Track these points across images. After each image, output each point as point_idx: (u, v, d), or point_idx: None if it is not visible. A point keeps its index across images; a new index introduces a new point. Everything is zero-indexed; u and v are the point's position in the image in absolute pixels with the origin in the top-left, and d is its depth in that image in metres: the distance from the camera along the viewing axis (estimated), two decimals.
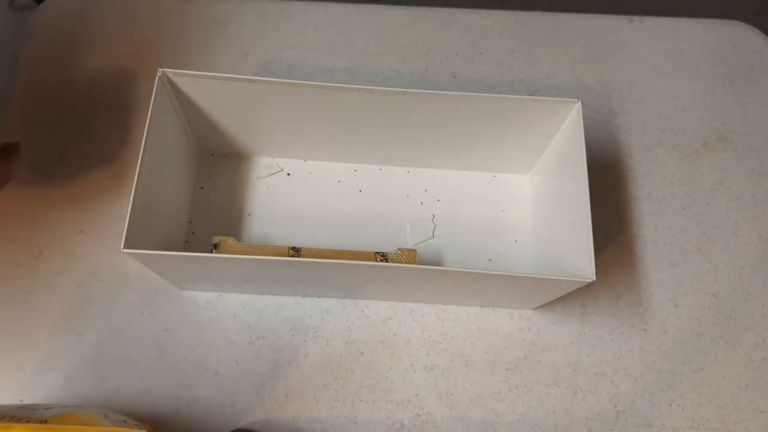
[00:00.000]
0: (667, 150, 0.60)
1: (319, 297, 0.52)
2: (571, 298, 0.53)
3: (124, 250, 0.40)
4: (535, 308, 0.53)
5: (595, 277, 0.42)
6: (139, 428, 0.40)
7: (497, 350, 0.52)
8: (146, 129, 0.43)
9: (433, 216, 0.55)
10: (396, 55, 0.62)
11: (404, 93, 0.47)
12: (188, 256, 0.41)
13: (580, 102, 0.47)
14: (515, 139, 0.52)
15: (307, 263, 0.42)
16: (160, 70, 0.45)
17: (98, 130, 0.57)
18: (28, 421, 0.37)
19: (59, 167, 0.55)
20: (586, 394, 0.51)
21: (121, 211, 0.54)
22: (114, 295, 0.52)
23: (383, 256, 0.50)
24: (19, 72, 0.59)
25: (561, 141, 0.50)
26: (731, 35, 0.65)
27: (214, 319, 0.51)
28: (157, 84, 0.45)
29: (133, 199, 0.41)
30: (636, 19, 0.65)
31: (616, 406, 0.50)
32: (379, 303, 0.52)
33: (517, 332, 0.52)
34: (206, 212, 0.54)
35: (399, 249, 0.50)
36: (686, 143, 0.60)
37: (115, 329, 0.51)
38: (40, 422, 0.37)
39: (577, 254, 0.45)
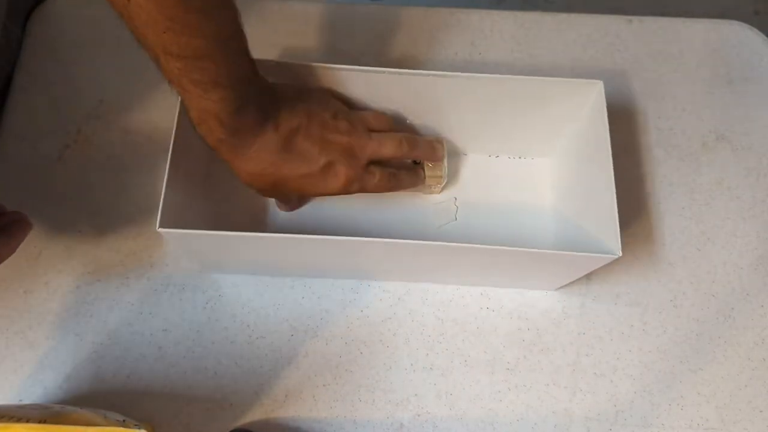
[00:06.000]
0: (667, 150, 0.60)
1: (334, 278, 0.53)
2: (571, 298, 0.53)
3: (159, 229, 0.42)
4: (558, 288, 0.54)
5: (621, 253, 0.43)
6: (139, 428, 0.40)
7: (497, 350, 0.52)
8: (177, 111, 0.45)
9: (455, 198, 0.56)
10: (396, 55, 0.62)
11: (428, 75, 0.48)
12: (224, 235, 0.43)
13: (602, 83, 0.48)
14: (536, 121, 0.53)
15: (345, 241, 0.44)
16: None
17: (98, 130, 0.57)
18: (27, 421, 0.37)
19: (58, 168, 0.55)
20: (586, 394, 0.51)
21: (121, 211, 0.54)
22: (113, 295, 0.52)
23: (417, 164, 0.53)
24: (19, 71, 0.59)
25: (583, 123, 0.51)
26: (731, 35, 0.65)
27: (214, 319, 0.51)
28: None
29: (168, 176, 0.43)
30: (635, 19, 0.65)
31: (615, 406, 0.50)
32: (378, 303, 0.52)
33: (517, 332, 0.52)
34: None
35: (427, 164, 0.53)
36: (685, 143, 0.60)
37: (115, 329, 0.51)
38: (40, 422, 0.37)
39: (602, 231, 0.46)
